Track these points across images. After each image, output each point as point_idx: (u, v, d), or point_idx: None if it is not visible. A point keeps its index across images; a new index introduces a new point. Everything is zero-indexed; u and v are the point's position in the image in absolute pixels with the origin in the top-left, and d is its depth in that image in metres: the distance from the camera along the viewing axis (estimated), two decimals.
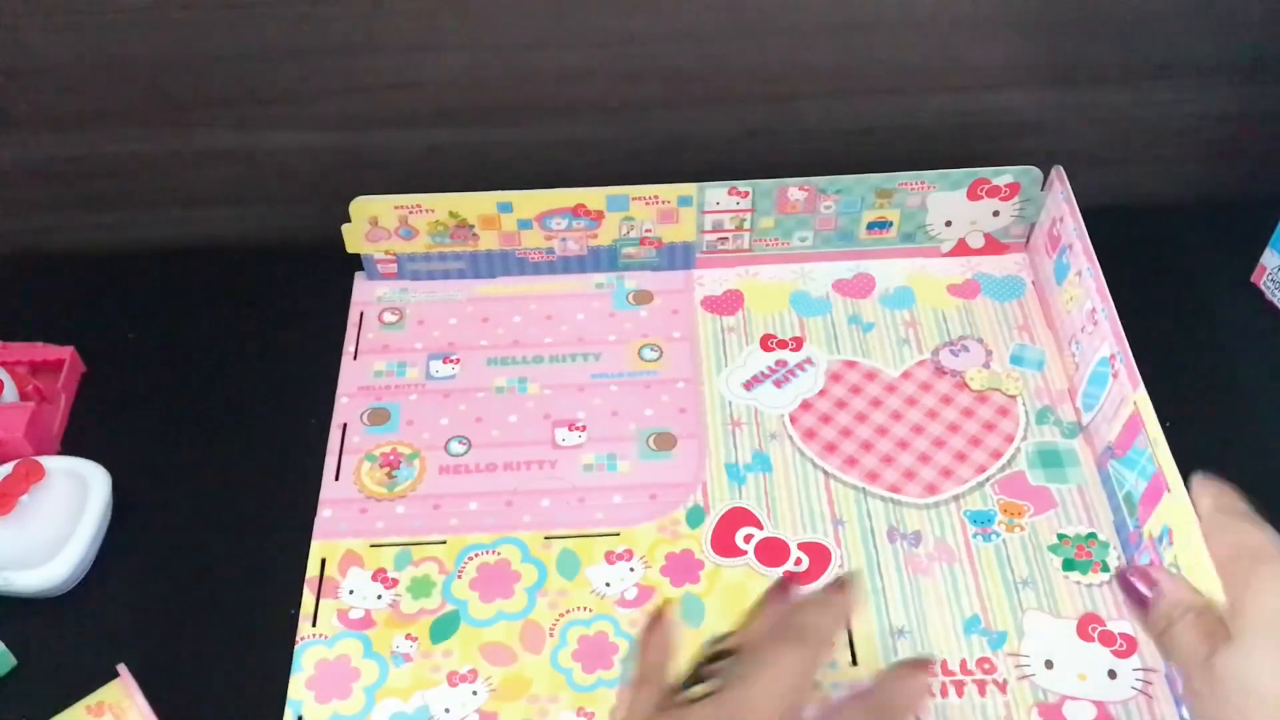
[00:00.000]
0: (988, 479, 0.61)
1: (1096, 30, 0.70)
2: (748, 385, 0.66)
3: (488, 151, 0.74)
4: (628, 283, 0.71)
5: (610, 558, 0.58)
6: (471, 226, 0.69)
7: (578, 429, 0.64)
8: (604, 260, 0.71)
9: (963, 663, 0.54)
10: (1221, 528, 0.47)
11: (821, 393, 0.65)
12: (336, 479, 0.62)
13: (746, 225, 0.70)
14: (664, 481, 0.61)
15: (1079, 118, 0.75)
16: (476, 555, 0.58)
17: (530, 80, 0.71)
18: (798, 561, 0.58)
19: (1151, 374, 0.56)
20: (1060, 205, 0.66)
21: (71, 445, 0.64)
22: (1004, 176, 0.68)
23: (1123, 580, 0.48)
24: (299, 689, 0.54)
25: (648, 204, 0.68)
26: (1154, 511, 0.54)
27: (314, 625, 0.56)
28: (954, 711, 0.52)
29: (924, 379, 0.65)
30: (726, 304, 0.70)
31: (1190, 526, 0.50)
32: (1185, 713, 0.51)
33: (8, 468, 0.58)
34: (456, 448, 0.63)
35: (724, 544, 0.58)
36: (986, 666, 0.54)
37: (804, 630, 0.43)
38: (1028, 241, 0.72)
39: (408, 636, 0.55)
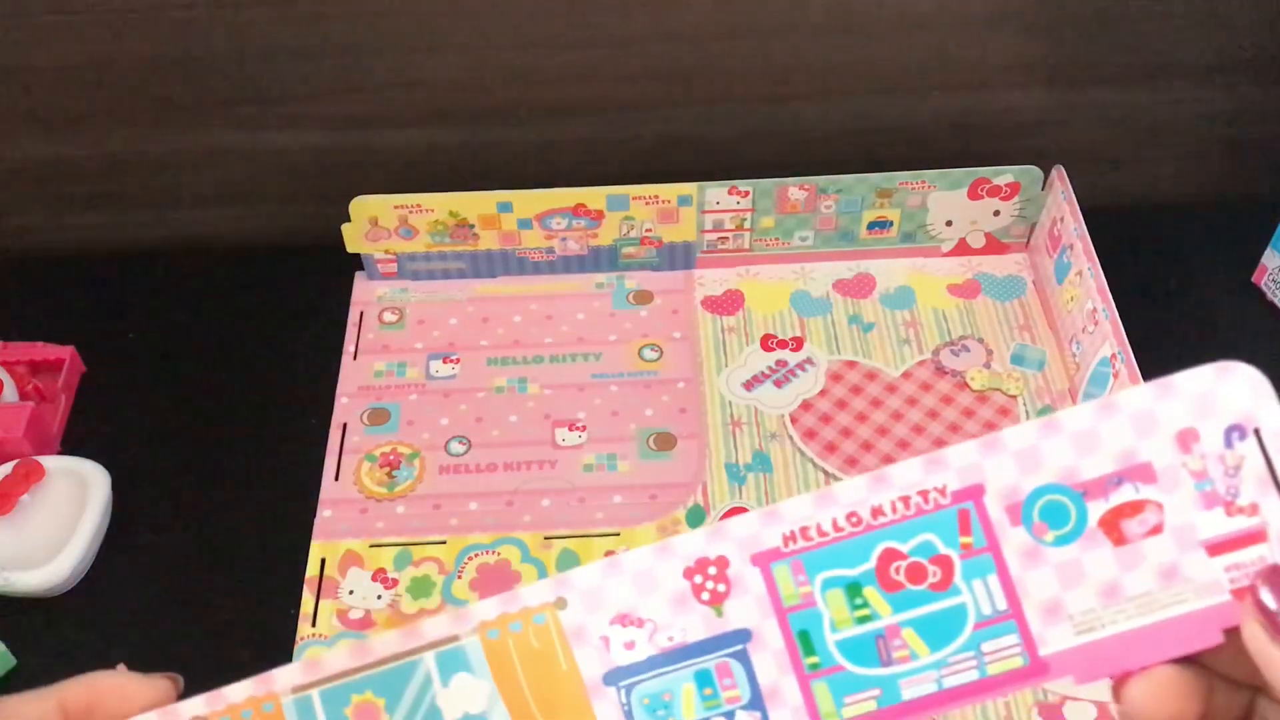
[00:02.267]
0: None
1: (1097, 30, 0.70)
2: (748, 385, 0.66)
3: (488, 151, 0.74)
4: (628, 282, 0.71)
5: None
6: (471, 226, 0.69)
7: (578, 429, 0.64)
8: (604, 260, 0.71)
9: None
10: None
11: (822, 393, 0.65)
12: (336, 479, 0.62)
13: (747, 225, 0.69)
14: (664, 481, 0.61)
15: (1080, 117, 0.75)
16: (476, 555, 0.58)
17: (530, 80, 0.71)
18: None
19: (1152, 374, 0.56)
20: (1061, 205, 0.66)
21: (71, 445, 0.64)
22: (1004, 176, 0.68)
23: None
24: None
25: (648, 204, 0.68)
26: None
27: (314, 625, 0.56)
28: (954, 711, 0.52)
29: (924, 379, 0.65)
30: (727, 304, 0.70)
31: None
32: None
33: (8, 468, 0.58)
34: (456, 448, 0.63)
35: None
36: None
37: None
38: (1028, 241, 0.72)
39: None
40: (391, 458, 0.62)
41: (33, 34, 0.67)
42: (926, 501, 0.28)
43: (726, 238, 0.70)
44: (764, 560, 0.28)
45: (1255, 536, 0.27)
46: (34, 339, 0.67)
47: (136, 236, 0.78)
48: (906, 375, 0.66)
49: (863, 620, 0.28)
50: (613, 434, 0.63)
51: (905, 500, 0.28)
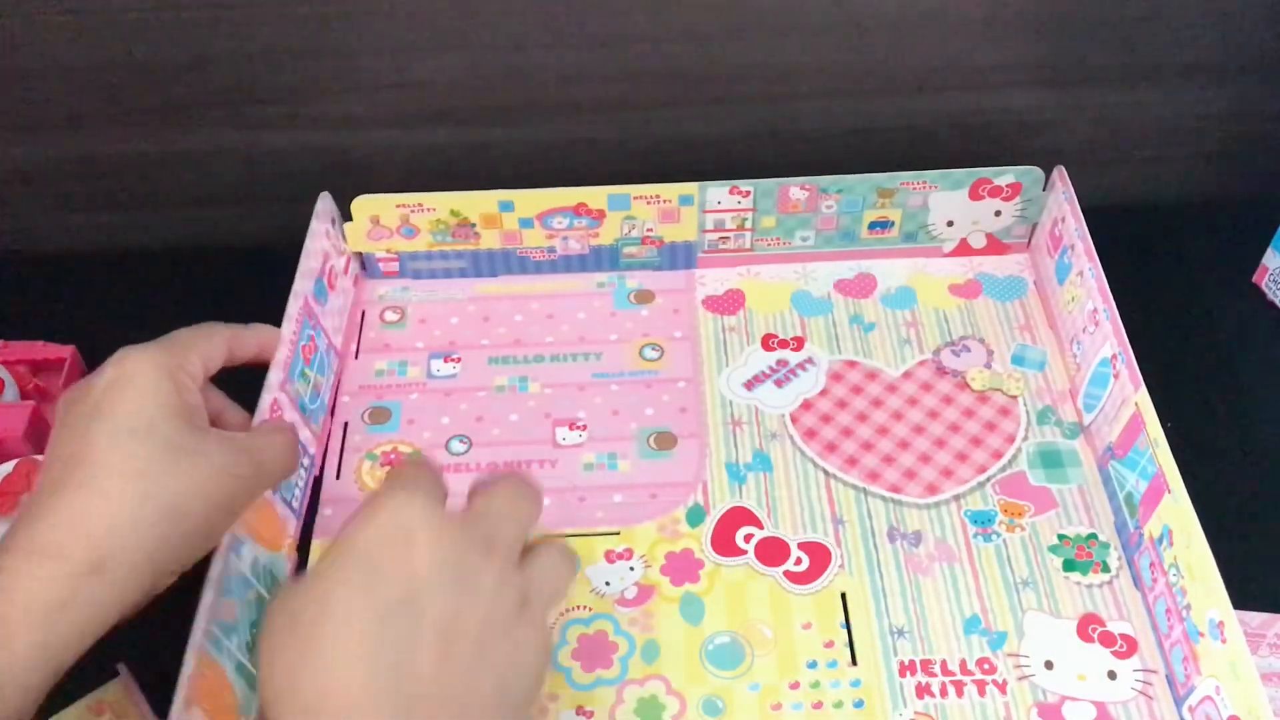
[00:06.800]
0: (988, 479, 0.61)
1: (1098, 30, 0.70)
2: (749, 385, 0.66)
3: (489, 151, 0.74)
4: (629, 282, 0.71)
5: (610, 557, 0.58)
6: (473, 225, 0.69)
7: (578, 428, 0.64)
8: (605, 259, 0.71)
9: (962, 663, 0.54)
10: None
11: (822, 392, 0.65)
12: (337, 478, 0.62)
13: (748, 225, 0.69)
14: (664, 481, 0.61)
15: (1081, 118, 0.75)
16: None
17: (531, 80, 0.71)
18: (798, 561, 0.57)
19: (1153, 374, 0.56)
20: (1062, 205, 0.66)
21: None
22: (1006, 176, 0.68)
23: None
24: None
25: (649, 203, 0.68)
26: (1154, 512, 0.54)
27: None
28: (953, 711, 0.52)
29: (925, 379, 0.65)
30: (728, 303, 0.70)
31: (1191, 527, 0.50)
32: (1186, 713, 0.51)
33: (9, 467, 0.59)
34: (457, 446, 0.63)
35: (724, 543, 0.58)
36: (986, 667, 0.54)
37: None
38: (1029, 241, 0.72)
39: None
40: (393, 456, 0.62)
41: (33, 34, 0.67)
42: None
43: (728, 237, 0.70)
44: None
45: None
46: (35, 339, 0.67)
47: (138, 236, 0.78)
48: (907, 375, 0.66)
49: None
50: (613, 433, 0.63)
51: None
